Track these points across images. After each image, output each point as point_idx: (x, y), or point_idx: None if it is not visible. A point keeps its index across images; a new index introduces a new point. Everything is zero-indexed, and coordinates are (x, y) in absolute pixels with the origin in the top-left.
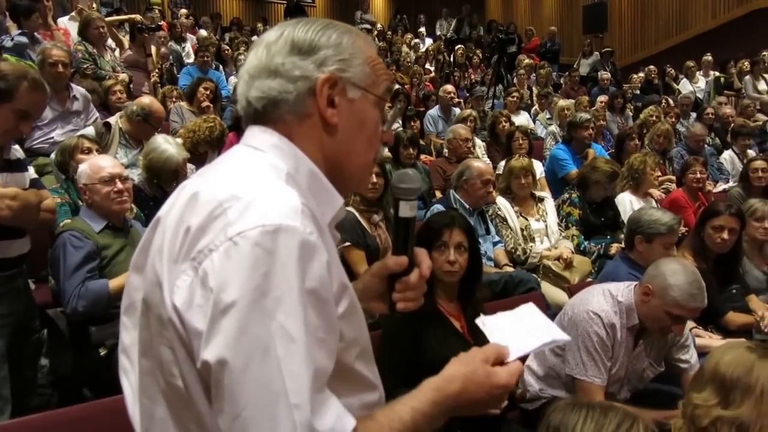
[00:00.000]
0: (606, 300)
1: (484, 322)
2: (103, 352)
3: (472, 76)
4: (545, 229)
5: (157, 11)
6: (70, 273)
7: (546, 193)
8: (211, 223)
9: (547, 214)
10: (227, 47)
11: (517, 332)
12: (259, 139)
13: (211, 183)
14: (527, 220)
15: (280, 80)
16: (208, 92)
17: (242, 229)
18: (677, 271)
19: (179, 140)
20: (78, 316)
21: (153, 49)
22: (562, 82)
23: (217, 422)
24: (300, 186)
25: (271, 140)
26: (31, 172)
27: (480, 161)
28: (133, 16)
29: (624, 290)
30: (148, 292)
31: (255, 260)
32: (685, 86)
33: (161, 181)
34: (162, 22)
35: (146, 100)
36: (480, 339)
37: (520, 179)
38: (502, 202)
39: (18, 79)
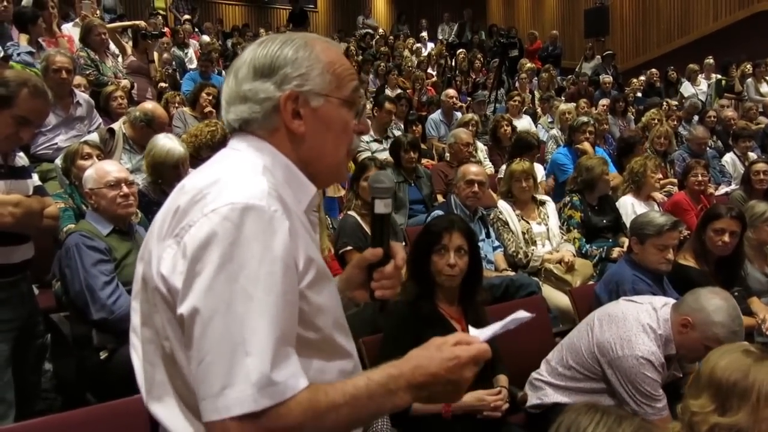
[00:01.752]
0: (650, 338)
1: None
2: (103, 355)
3: (475, 78)
4: (547, 233)
5: (160, 17)
6: (89, 271)
7: (547, 197)
8: (192, 206)
9: (548, 217)
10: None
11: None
12: (239, 142)
13: (194, 176)
14: (529, 223)
15: (249, 104)
16: (210, 98)
17: (215, 206)
18: (720, 308)
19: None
20: (104, 327)
21: (155, 55)
22: (564, 84)
23: (190, 367)
24: (276, 177)
25: (249, 142)
26: (35, 179)
27: (470, 164)
28: (136, 22)
29: (661, 321)
30: (145, 269)
31: (223, 231)
32: (686, 89)
33: (164, 180)
34: (165, 29)
35: (149, 105)
36: None
37: (521, 183)
38: (503, 205)
39: (19, 86)
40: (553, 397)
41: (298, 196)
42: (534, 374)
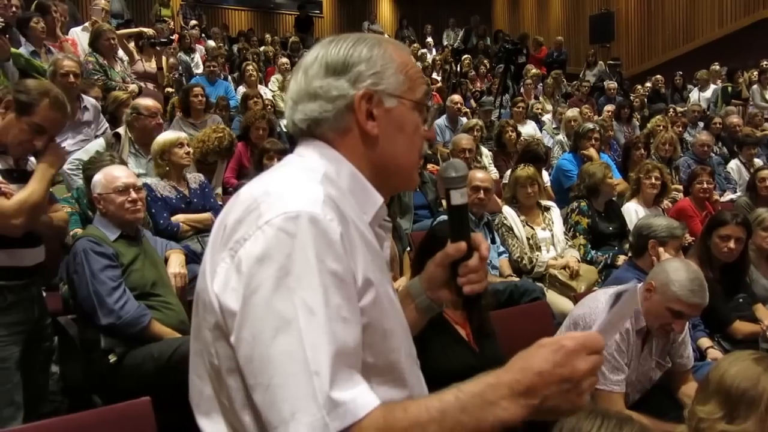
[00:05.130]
0: None
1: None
2: (112, 359)
3: (479, 85)
4: (551, 238)
5: (170, 24)
6: (97, 277)
7: (552, 202)
8: (246, 217)
9: (553, 222)
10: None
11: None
12: (304, 147)
13: (251, 185)
14: (533, 229)
15: (320, 102)
16: (199, 98)
17: (269, 218)
18: (679, 268)
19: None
20: (111, 332)
21: (163, 60)
22: (570, 90)
23: (254, 399)
24: (340, 187)
25: (315, 148)
26: None
27: (476, 170)
28: (144, 30)
29: None
30: (199, 281)
31: (279, 243)
32: (694, 96)
33: (171, 167)
34: (174, 36)
35: (136, 100)
36: (485, 347)
37: (526, 188)
38: (508, 211)
39: (40, 95)
40: None
41: (364, 207)
42: None
